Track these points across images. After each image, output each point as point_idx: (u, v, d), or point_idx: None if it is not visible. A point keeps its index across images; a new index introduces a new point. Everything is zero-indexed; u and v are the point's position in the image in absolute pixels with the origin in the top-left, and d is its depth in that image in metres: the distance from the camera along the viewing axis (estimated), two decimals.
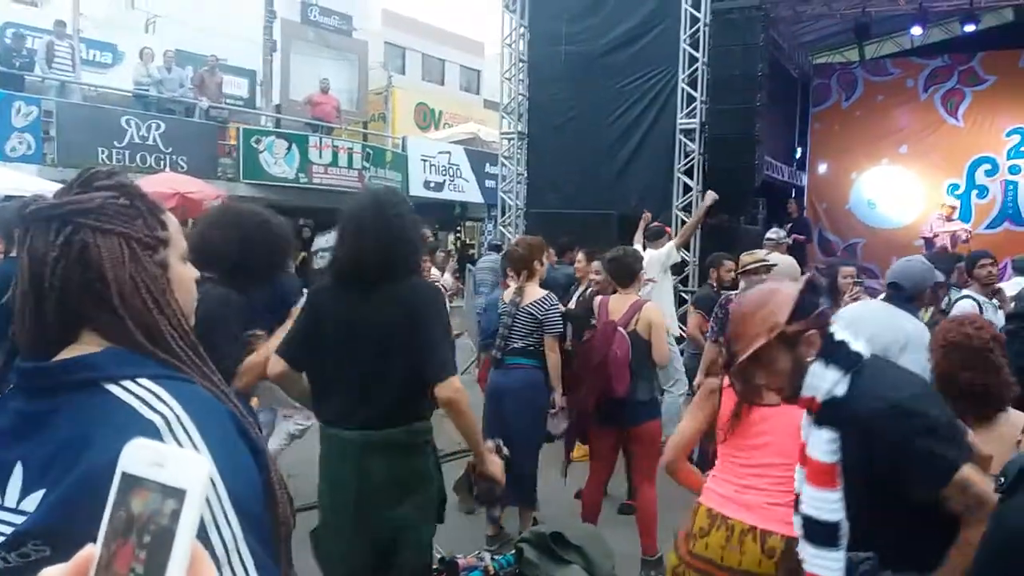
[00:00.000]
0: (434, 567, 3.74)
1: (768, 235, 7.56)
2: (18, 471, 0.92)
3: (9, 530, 0.89)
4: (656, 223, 7.74)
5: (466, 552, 4.05)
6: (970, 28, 12.02)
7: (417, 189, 16.11)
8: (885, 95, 13.84)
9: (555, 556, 3.71)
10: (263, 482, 0.99)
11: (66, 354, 0.99)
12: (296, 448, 5.11)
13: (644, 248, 6.86)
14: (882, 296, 4.22)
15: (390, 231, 2.66)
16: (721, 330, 4.89)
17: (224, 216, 2.82)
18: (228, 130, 13.71)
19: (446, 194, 17.14)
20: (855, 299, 5.18)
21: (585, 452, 6.39)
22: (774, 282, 2.10)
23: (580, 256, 6.45)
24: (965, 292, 5.04)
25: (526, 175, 11.91)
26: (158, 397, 0.94)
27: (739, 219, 10.64)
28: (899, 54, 14.53)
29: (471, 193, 17.80)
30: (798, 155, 14.54)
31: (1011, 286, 5.66)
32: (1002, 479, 1.75)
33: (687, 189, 10.21)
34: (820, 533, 1.96)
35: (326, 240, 5.60)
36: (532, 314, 4.63)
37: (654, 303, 4.70)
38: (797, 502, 2.07)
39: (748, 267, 5.24)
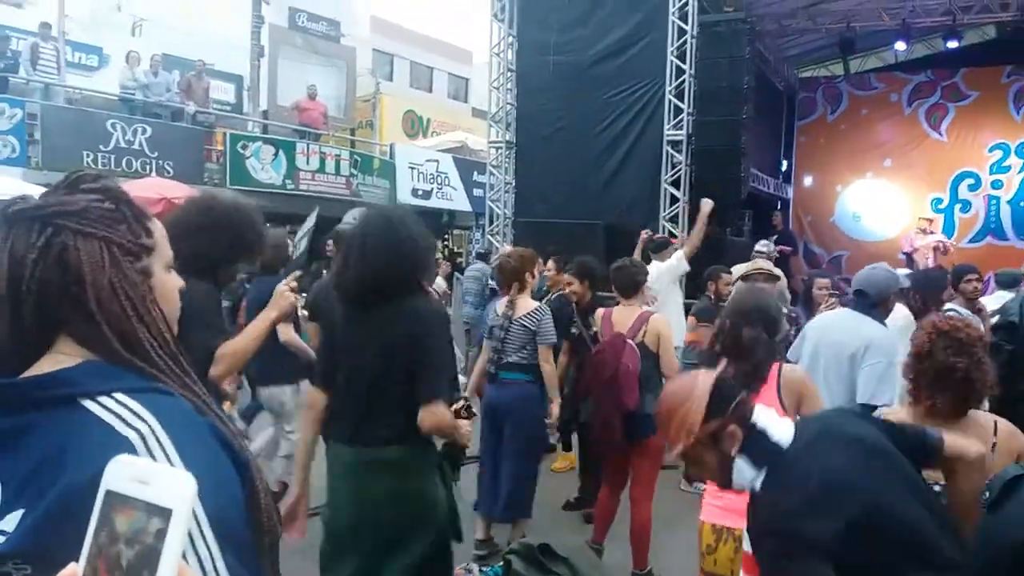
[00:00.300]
0: None
1: (757, 247, 7.61)
2: None
3: None
4: (660, 235, 7.73)
5: (455, 562, 4.03)
6: (953, 44, 12.19)
7: (405, 197, 16.09)
8: (869, 109, 13.98)
9: (543, 568, 3.71)
10: (246, 492, 0.98)
11: (41, 364, 0.97)
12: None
13: (649, 261, 6.83)
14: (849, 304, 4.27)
15: (395, 252, 2.64)
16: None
17: (185, 209, 2.81)
18: (215, 135, 13.64)
19: (434, 202, 17.12)
20: (830, 309, 5.25)
21: (567, 463, 6.39)
22: (691, 377, 2.04)
23: (550, 264, 6.44)
24: (950, 306, 5.10)
25: (514, 184, 11.92)
26: (134, 413, 0.92)
27: (725, 231, 10.70)
28: (883, 69, 14.70)
29: (459, 201, 17.79)
30: (784, 168, 14.65)
31: (994, 300, 5.73)
32: (987, 493, 1.76)
33: (674, 200, 10.26)
34: None
35: (302, 229, 5.59)
36: (525, 326, 4.62)
37: (661, 314, 4.67)
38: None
39: (748, 274, 5.33)
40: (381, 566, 2.64)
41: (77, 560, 0.66)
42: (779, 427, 1.93)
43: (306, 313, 4.93)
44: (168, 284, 1.10)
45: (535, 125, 11.54)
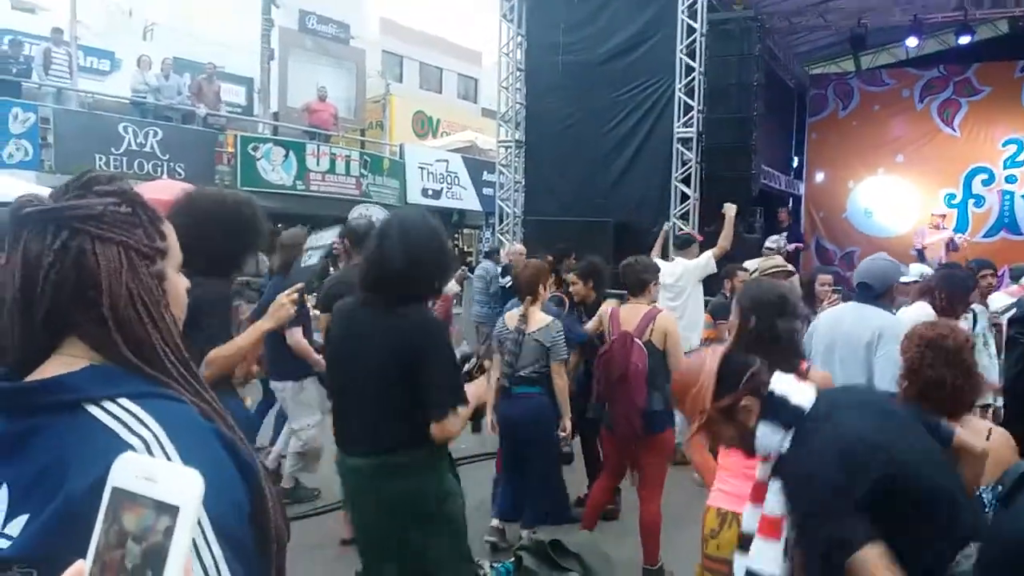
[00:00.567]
0: None
1: (767, 243, 7.58)
2: (3, 494, 0.90)
3: None
4: (684, 231, 7.71)
5: None
6: (965, 40, 12.09)
7: (415, 197, 16.13)
8: (881, 105, 13.90)
9: (554, 564, 3.71)
10: (251, 499, 0.97)
11: (47, 367, 0.97)
12: None
13: (668, 258, 6.79)
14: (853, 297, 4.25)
15: (410, 254, 2.64)
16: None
17: (181, 207, 2.78)
18: (226, 137, 13.71)
19: (444, 202, 17.15)
20: (833, 305, 5.25)
21: None
22: (701, 355, 2.06)
23: (573, 277, 6.39)
24: (974, 305, 5.07)
25: (523, 183, 11.93)
26: (138, 419, 0.92)
27: (737, 228, 10.66)
28: (895, 65, 14.61)
29: (469, 201, 17.82)
30: (795, 164, 14.59)
31: (1009, 294, 5.68)
32: (1000, 487, 1.75)
33: (684, 198, 10.24)
34: None
35: (318, 238, 5.57)
36: (539, 341, 4.60)
37: (668, 312, 4.64)
38: (744, 540, 2.07)
39: (766, 271, 5.32)
40: (413, 565, 2.66)
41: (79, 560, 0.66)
42: (799, 393, 1.96)
43: (318, 313, 4.95)
44: (179, 287, 1.11)
45: (544, 124, 11.54)
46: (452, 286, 9.43)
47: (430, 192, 16.81)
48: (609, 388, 4.38)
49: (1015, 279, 6.47)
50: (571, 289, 5.53)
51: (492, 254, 10.37)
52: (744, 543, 2.06)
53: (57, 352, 0.99)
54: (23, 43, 12.64)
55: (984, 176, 13.04)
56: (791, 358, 2.63)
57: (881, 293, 3.93)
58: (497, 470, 5.11)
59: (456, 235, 19.39)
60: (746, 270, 6.10)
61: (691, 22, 10.12)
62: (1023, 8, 11.04)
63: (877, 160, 13.86)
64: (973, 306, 4.94)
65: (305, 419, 5.06)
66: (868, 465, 1.76)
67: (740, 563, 2.05)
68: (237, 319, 3.51)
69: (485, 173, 17.08)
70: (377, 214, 9.64)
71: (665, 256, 7.74)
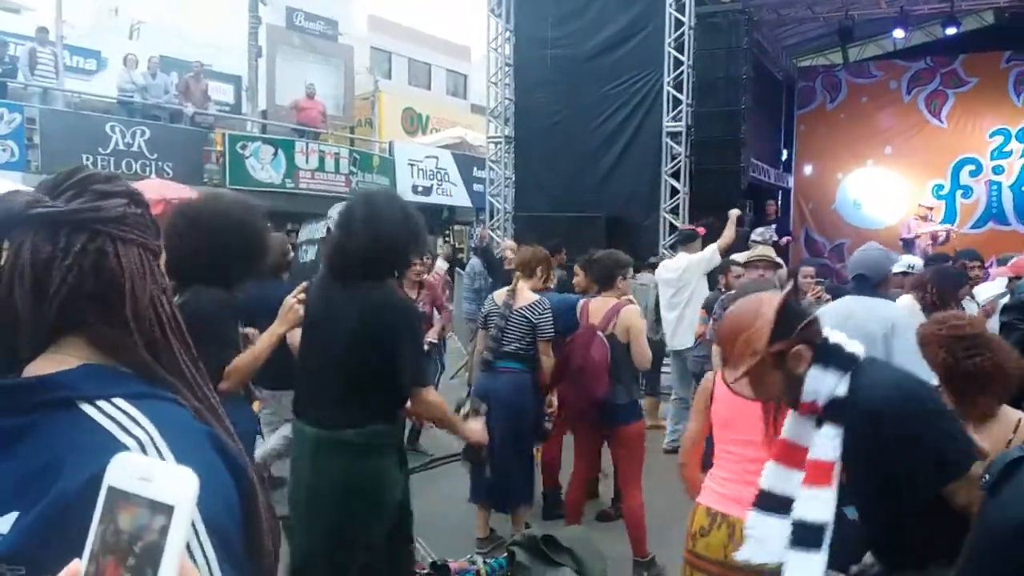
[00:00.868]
0: (425, 571, 3.75)
1: (753, 235, 7.60)
2: None
3: None
4: (688, 226, 7.74)
5: (457, 556, 4.05)
6: (951, 31, 12.14)
7: (405, 193, 16.03)
8: (869, 97, 13.94)
9: (547, 559, 3.72)
10: (242, 503, 0.97)
11: (39, 365, 0.96)
12: None
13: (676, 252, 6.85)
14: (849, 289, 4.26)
15: (375, 231, 2.67)
16: None
17: (179, 222, 2.77)
18: (215, 136, 13.66)
19: (434, 198, 17.13)
20: (817, 298, 5.28)
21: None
22: (756, 299, 2.08)
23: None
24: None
25: (514, 179, 11.92)
26: (133, 419, 0.91)
27: (739, 227, 10.69)
28: (882, 57, 14.65)
29: (459, 197, 17.81)
30: (784, 157, 14.62)
31: (996, 285, 5.71)
32: (986, 476, 1.76)
33: (674, 192, 10.26)
34: (809, 536, 1.96)
35: (309, 232, 5.57)
36: (526, 317, 4.62)
37: (634, 307, 4.66)
38: (764, 497, 2.09)
39: (750, 259, 5.35)
40: (334, 543, 2.68)
41: (71, 559, 0.66)
42: (852, 344, 2.02)
43: None
44: (168, 286, 1.10)
45: (534, 119, 11.53)
46: (440, 264, 9.41)
47: (420, 189, 16.78)
48: (567, 377, 4.44)
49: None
50: (574, 280, 5.61)
51: (483, 251, 10.35)
52: (764, 502, 2.09)
53: (51, 351, 0.98)
54: (8, 43, 12.54)
55: (972, 167, 13.11)
56: None
57: (879, 282, 3.94)
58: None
59: (447, 232, 19.38)
60: (738, 263, 6.12)
61: (679, 16, 10.13)
62: None
63: (866, 152, 13.90)
64: (964, 302, 4.96)
65: (284, 431, 5.01)
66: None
67: (759, 519, 2.08)
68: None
69: (475, 169, 17.07)
70: None
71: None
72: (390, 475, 2.78)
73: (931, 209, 11.92)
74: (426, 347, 5.66)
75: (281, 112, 16.74)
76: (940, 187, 13.26)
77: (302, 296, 2.90)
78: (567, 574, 3.66)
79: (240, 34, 16.27)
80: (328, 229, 5.17)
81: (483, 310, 4.93)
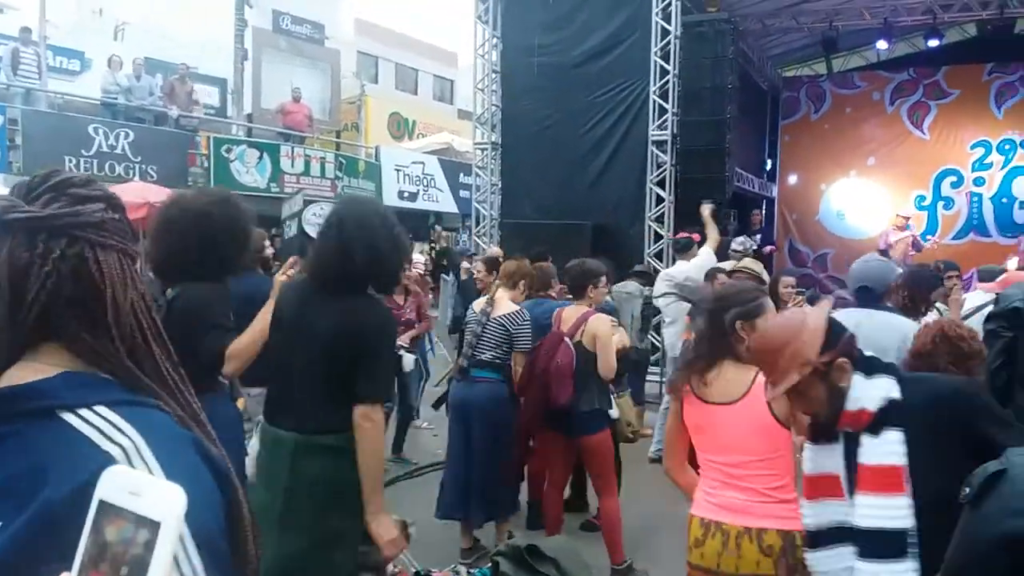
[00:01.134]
0: None
1: (733, 246, 7.65)
2: None
3: None
4: (683, 235, 7.78)
5: (441, 566, 4.03)
6: (934, 43, 12.27)
7: (391, 199, 16.06)
8: (853, 108, 14.06)
9: (530, 569, 3.71)
10: (226, 514, 0.96)
11: (15, 374, 0.95)
12: None
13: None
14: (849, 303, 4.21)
15: (359, 243, 2.65)
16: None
17: (166, 220, 2.82)
18: (201, 139, 13.59)
19: (420, 204, 17.11)
20: (799, 307, 5.29)
21: None
22: (799, 313, 2.17)
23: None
24: (939, 304, 5.11)
25: (500, 185, 11.92)
26: (116, 426, 0.90)
27: (719, 221, 10.73)
28: (866, 68, 14.79)
29: (445, 203, 17.79)
30: (768, 167, 14.71)
31: (976, 296, 5.75)
32: (967, 489, 1.77)
33: (660, 200, 10.29)
34: (888, 544, 1.96)
35: (288, 207, 5.55)
36: (503, 326, 4.62)
37: (603, 315, 4.67)
38: (814, 537, 2.13)
39: (735, 269, 5.38)
40: (311, 544, 2.64)
41: (61, 571, 0.66)
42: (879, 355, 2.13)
43: None
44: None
45: (520, 126, 11.54)
46: (417, 257, 9.37)
47: (406, 194, 16.75)
48: (532, 383, 4.44)
49: (984, 280, 6.56)
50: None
51: (469, 256, 10.34)
52: (815, 540, 2.14)
53: (27, 359, 0.96)
54: None
55: (953, 178, 13.24)
56: None
57: (882, 294, 3.89)
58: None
59: (432, 240, 19.38)
60: (724, 271, 6.16)
61: (665, 24, 10.17)
62: (990, 11, 11.21)
63: (849, 162, 14.01)
64: (938, 305, 4.98)
65: None
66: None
67: (816, 556, 2.14)
68: None
69: (462, 175, 17.07)
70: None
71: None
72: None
73: (907, 219, 12.01)
74: (400, 352, 5.66)
75: (267, 116, 16.67)
76: (922, 198, 13.39)
77: (291, 272, 2.92)
78: None
79: (226, 37, 16.22)
80: (304, 202, 5.16)
81: (466, 319, 4.93)
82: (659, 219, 10.24)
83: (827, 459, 2.08)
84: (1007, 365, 3.37)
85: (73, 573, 0.64)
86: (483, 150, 12.15)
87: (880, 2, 11.46)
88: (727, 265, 6.61)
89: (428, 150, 18.62)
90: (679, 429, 2.87)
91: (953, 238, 13.01)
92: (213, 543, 0.88)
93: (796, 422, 2.31)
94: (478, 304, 4.84)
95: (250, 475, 2.80)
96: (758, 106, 13.79)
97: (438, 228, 10.90)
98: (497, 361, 4.63)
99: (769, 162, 14.75)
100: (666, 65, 10.19)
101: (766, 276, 5.55)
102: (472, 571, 3.93)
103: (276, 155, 13.78)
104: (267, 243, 5.32)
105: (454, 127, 22.03)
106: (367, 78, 22.73)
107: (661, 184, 10.28)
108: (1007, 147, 12.89)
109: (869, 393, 2.01)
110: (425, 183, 17.29)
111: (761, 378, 2.51)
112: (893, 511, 1.96)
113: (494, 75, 11.86)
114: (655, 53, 10.24)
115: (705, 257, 6.97)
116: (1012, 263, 7.09)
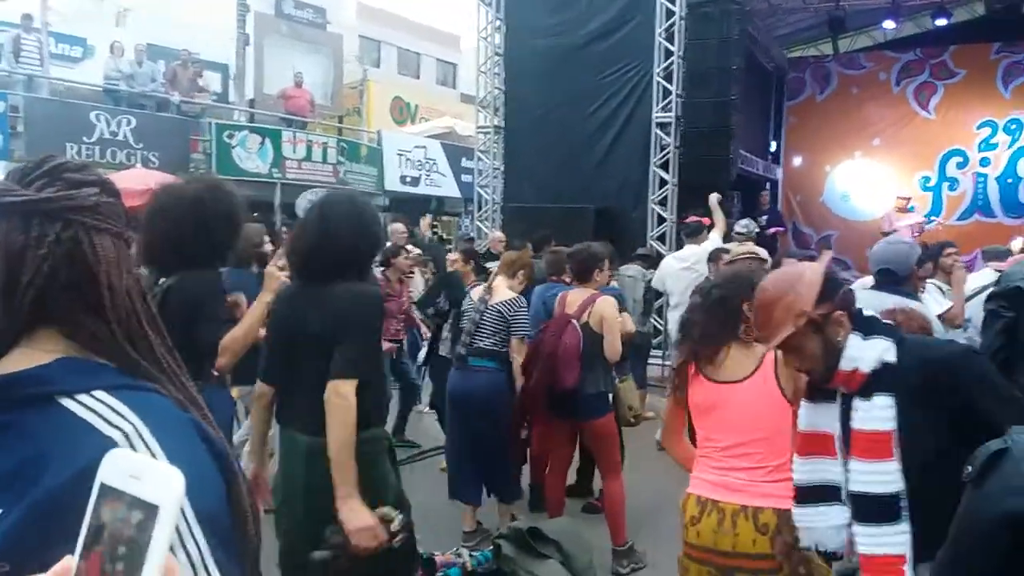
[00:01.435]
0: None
1: (737, 228, 7.62)
2: None
3: None
4: (694, 219, 7.76)
5: (444, 549, 4.04)
6: (942, 22, 12.17)
7: (393, 184, 16.03)
8: (859, 88, 13.98)
9: (532, 551, 3.71)
10: (227, 494, 0.97)
11: (12, 360, 0.95)
12: None
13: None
14: (870, 284, 4.14)
15: (334, 231, 2.64)
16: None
17: (159, 209, 2.81)
18: (206, 124, 13.55)
19: (422, 189, 17.05)
20: None
21: None
22: (796, 266, 2.12)
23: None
24: (930, 282, 5.08)
25: (503, 169, 11.88)
26: (115, 411, 0.90)
27: (724, 209, 10.70)
28: (872, 48, 14.68)
29: (448, 188, 17.73)
30: (773, 148, 14.64)
31: (981, 276, 5.72)
32: (969, 468, 1.76)
33: (663, 183, 10.24)
34: (879, 508, 1.97)
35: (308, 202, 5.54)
36: (501, 312, 4.61)
37: (610, 298, 4.66)
38: (802, 492, 2.12)
39: (737, 257, 5.33)
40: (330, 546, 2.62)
41: (63, 556, 0.66)
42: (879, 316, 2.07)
43: None
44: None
45: (523, 109, 11.49)
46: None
47: (408, 179, 16.71)
48: (534, 365, 4.43)
49: (989, 261, 6.52)
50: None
51: (470, 240, 10.32)
52: (803, 496, 2.14)
53: (24, 344, 0.96)
54: None
55: (959, 159, 13.17)
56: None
57: (905, 277, 3.80)
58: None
59: (435, 223, 19.37)
60: (727, 251, 6.15)
61: (670, 5, 10.11)
62: None
63: (854, 144, 13.95)
64: (935, 282, 4.94)
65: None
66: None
67: (801, 511, 2.14)
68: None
69: (464, 159, 16.99)
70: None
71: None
72: (386, 471, 2.75)
73: (908, 200, 11.93)
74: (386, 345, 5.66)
75: (269, 101, 16.62)
76: (927, 179, 13.32)
77: (282, 263, 2.90)
78: (553, 566, 3.65)
79: (228, 22, 16.13)
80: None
81: (463, 307, 4.92)
82: (662, 202, 10.21)
83: (822, 417, 2.07)
84: (1007, 345, 3.34)
85: (75, 557, 0.64)
86: (486, 134, 12.11)
87: None
88: (732, 246, 6.59)
89: (430, 134, 18.56)
90: (677, 408, 2.88)
91: (958, 219, 12.97)
92: (216, 522, 0.89)
93: (799, 393, 2.30)
94: (476, 292, 4.84)
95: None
96: (763, 87, 13.72)
97: (428, 218, 10.57)
98: (495, 349, 4.63)
99: (774, 144, 14.69)
100: (671, 46, 10.13)
101: (766, 256, 5.51)
102: (474, 553, 3.93)
103: (278, 141, 13.74)
104: (266, 237, 5.29)
105: (457, 111, 21.93)
106: (369, 62, 22.62)
107: (664, 167, 10.23)
108: (1013, 127, 12.81)
109: (865, 354, 1.98)
110: (427, 168, 17.23)
111: (771, 355, 2.52)
112: (883, 476, 1.96)
113: (497, 58, 11.80)
114: (660, 34, 10.16)
115: (715, 243, 6.96)
116: (1016, 243, 7.03)
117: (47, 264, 0.93)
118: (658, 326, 8.66)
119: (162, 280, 2.83)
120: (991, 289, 4.60)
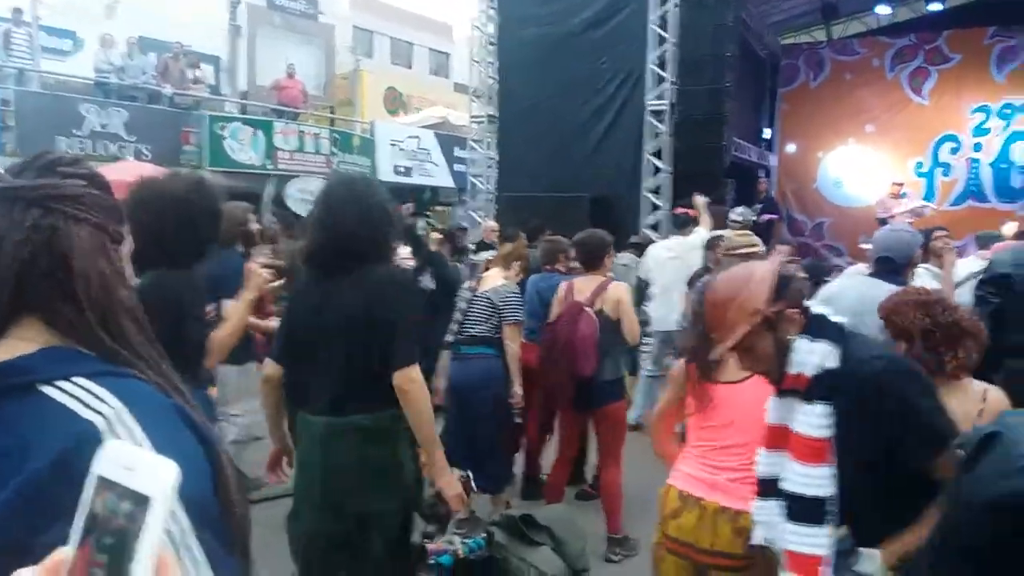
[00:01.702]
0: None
1: (732, 216, 7.60)
2: None
3: None
4: (681, 210, 7.74)
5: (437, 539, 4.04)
6: (936, 7, 12.14)
7: (386, 174, 15.98)
8: (852, 75, 13.95)
9: (525, 538, 3.72)
10: (214, 480, 0.97)
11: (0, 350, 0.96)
12: None
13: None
14: (865, 271, 4.11)
15: (358, 216, 2.63)
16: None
17: (140, 202, 2.73)
18: (201, 116, 13.49)
19: (416, 179, 17.01)
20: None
21: None
22: (747, 265, 2.07)
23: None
24: (922, 267, 5.07)
25: (497, 159, 11.86)
26: (95, 395, 0.91)
27: (711, 207, 10.68)
28: (866, 34, 14.67)
29: (441, 177, 17.69)
30: (766, 136, 14.62)
31: (971, 262, 5.72)
32: (961, 451, 1.76)
33: (657, 171, 10.23)
34: (806, 510, 1.96)
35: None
36: (490, 299, 4.61)
37: (621, 282, 4.68)
38: (764, 485, 2.09)
39: (739, 250, 5.29)
40: (352, 535, 2.64)
41: (49, 542, 0.66)
42: (833, 314, 2.00)
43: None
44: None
45: (517, 98, 11.46)
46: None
47: (401, 169, 16.65)
48: (551, 356, 4.41)
49: (982, 246, 6.53)
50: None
51: (463, 230, 10.30)
52: (764, 489, 2.10)
53: (6, 336, 0.96)
54: None
55: (952, 144, 13.16)
56: None
57: (903, 266, 3.76)
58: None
59: (428, 212, 19.32)
60: (724, 238, 6.12)
61: None
62: None
63: (847, 130, 13.93)
64: (926, 266, 4.93)
65: (244, 405, 4.97)
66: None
67: (761, 504, 2.10)
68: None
69: (457, 149, 16.95)
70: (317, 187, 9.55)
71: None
72: (405, 452, 2.75)
73: (901, 185, 11.91)
74: None
75: (261, 93, 16.55)
76: (920, 165, 13.32)
77: (264, 260, 2.89)
78: (545, 552, 3.66)
79: (220, 14, 16.05)
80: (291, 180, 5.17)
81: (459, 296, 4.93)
82: (656, 190, 10.19)
83: (787, 412, 2.05)
84: (993, 332, 3.34)
85: (69, 548, 0.64)
86: (479, 123, 12.09)
87: None
88: (727, 233, 6.58)
89: (424, 124, 18.49)
90: (674, 405, 2.88)
91: (951, 204, 12.96)
92: (201, 504, 0.89)
93: None
94: (469, 283, 4.86)
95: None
96: (756, 74, 13.69)
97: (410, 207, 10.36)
98: (485, 335, 4.61)
99: (767, 131, 14.66)
100: (664, 33, 10.09)
101: (760, 244, 5.48)
102: (466, 540, 3.94)
103: (270, 132, 13.69)
104: (251, 216, 5.28)
105: (450, 101, 21.85)
106: (362, 53, 22.52)
107: (658, 155, 10.22)
108: (1007, 111, 12.80)
109: (808, 359, 1.94)
110: (420, 158, 17.18)
111: None
112: (815, 479, 1.94)
113: (490, 47, 11.76)
114: (653, 21, 10.13)
115: (701, 238, 6.93)
116: (1008, 228, 7.04)
117: (26, 250, 0.94)
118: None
119: (138, 280, 2.79)
120: (980, 276, 4.61)
